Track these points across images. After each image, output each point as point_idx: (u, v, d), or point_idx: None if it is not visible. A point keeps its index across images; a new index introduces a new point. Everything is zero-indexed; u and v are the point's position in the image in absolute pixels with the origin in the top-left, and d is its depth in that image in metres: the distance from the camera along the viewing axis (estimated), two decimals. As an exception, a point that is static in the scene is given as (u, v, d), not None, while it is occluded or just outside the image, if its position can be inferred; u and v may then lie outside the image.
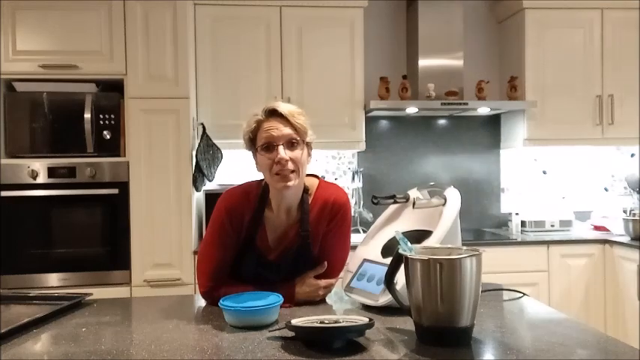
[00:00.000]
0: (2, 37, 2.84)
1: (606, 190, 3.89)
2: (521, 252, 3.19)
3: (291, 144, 1.49)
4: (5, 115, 2.86)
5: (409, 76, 3.47)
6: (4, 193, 2.80)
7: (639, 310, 3.00)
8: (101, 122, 2.89)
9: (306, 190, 1.60)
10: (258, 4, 3.23)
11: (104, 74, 2.92)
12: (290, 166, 1.47)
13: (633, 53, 3.51)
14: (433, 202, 1.61)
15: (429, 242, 1.46)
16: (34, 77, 2.87)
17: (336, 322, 1.21)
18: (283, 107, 1.51)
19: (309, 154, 1.57)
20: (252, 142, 1.54)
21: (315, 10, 3.29)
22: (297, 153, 1.49)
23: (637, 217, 3.21)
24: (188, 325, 1.37)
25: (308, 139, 1.54)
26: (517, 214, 3.57)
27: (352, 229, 1.81)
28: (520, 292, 1.61)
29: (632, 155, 3.91)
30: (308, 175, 1.62)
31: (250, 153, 1.59)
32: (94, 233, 2.88)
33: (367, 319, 1.20)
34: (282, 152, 1.47)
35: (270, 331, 1.26)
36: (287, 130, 1.49)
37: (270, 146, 1.49)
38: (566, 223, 3.55)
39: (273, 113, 1.51)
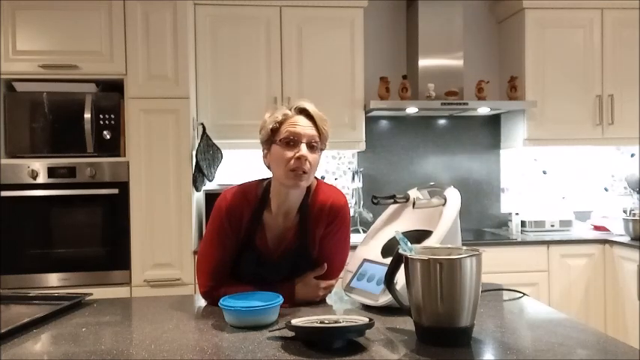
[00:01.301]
0: (2, 37, 2.84)
1: (606, 190, 3.89)
2: (521, 252, 3.19)
3: (311, 146, 1.49)
4: (5, 115, 2.86)
5: (409, 76, 3.47)
6: (4, 193, 2.80)
7: (639, 310, 3.00)
8: (101, 122, 2.89)
9: (306, 191, 1.59)
10: (258, 3, 3.23)
11: (104, 74, 2.92)
12: (307, 165, 1.47)
13: (633, 53, 3.51)
14: (433, 202, 1.61)
15: (429, 242, 1.46)
16: (34, 77, 2.87)
17: (336, 322, 1.21)
18: (313, 109, 1.52)
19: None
20: (272, 133, 1.51)
21: (315, 10, 3.29)
22: (315, 156, 1.49)
23: (637, 217, 3.21)
24: (188, 325, 1.37)
25: (323, 147, 1.55)
26: (517, 214, 3.57)
27: (352, 229, 1.82)
28: (520, 292, 1.61)
29: (632, 155, 3.91)
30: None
31: (260, 147, 1.56)
32: (94, 233, 2.88)
33: (367, 319, 1.20)
34: (304, 150, 1.46)
35: (270, 331, 1.26)
36: (312, 131, 1.49)
37: (292, 141, 1.47)
38: (566, 223, 3.55)
39: (302, 112, 1.51)
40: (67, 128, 2.87)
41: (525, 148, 3.61)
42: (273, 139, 1.50)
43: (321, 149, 1.54)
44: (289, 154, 1.46)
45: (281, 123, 1.50)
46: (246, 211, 1.57)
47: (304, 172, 1.47)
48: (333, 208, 1.59)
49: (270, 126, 1.50)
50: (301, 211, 1.58)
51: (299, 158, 1.45)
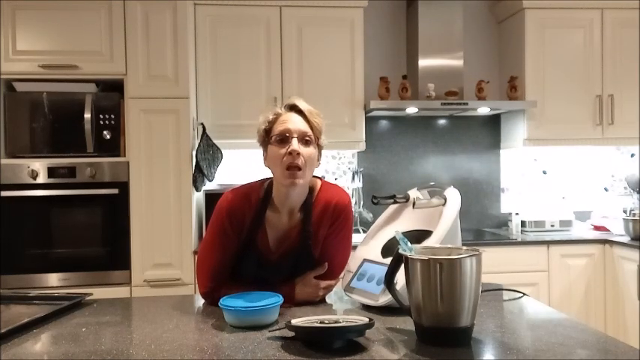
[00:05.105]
0: (2, 37, 2.84)
1: (606, 190, 3.89)
2: (521, 252, 3.19)
3: (304, 140, 1.49)
4: (5, 115, 2.86)
5: (409, 76, 3.47)
6: (4, 193, 2.80)
7: (639, 310, 3.00)
8: (101, 122, 2.89)
9: (310, 190, 1.59)
10: (258, 4, 3.23)
11: (104, 74, 2.92)
12: (300, 160, 1.47)
13: (633, 53, 3.51)
14: (433, 202, 1.61)
15: (429, 242, 1.46)
16: (34, 77, 2.87)
17: (336, 322, 1.21)
18: (303, 104, 1.53)
19: (319, 159, 1.57)
20: (266, 134, 1.54)
21: (315, 10, 3.29)
22: (309, 150, 1.49)
23: (637, 217, 3.21)
24: (188, 325, 1.37)
25: (320, 142, 1.55)
26: (517, 214, 3.57)
27: (353, 229, 1.81)
28: (520, 292, 1.61)
29: (632, 155, 3.91)
30: (310, 176, 1.61)
31: (261, 149, 1.58)
32: (94, 233, 2.88)
33: (367, 319, 1.20)
34: (296, 144, 1.47)
35: (270, 331, 1.26)
36: (303, 126, 1.50)
37: (284, 138, 1.49)
38: (566, 223, 3.55)
39: (292, 108, 1.53)
40: (67, 128, 2.87)
41: (525, 148, 3.61)
42: (268, 139, 1.53)
43: (319, 144, 1.54)
44: (282, 151, 1.48)
45: (273, 122, 1.53)
46: (248, 212, 1.57)
47: (299, 169, 1.47)
48: (337, 206, 1.59)
49: (263, 127, 1.54)
50: (304, 210, 1.58)
51: (291, 153, 1.46)
